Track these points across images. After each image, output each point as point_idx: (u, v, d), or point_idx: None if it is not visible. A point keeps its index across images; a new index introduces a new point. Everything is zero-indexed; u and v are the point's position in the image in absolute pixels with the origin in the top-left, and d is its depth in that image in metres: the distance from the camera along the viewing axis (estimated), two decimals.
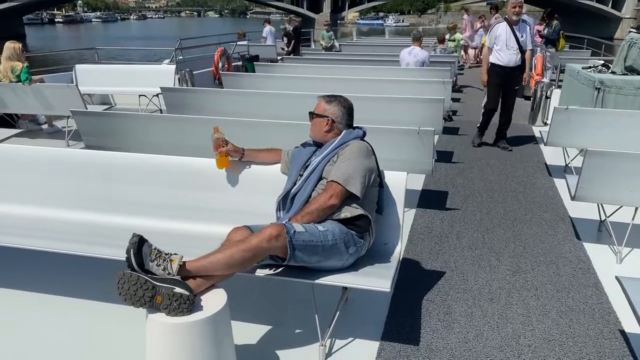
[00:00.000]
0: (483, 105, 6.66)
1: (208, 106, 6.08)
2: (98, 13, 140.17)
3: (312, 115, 2.83)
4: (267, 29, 15.05)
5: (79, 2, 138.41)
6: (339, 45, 16.62)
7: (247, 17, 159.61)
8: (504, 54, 6.08)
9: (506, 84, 6.23)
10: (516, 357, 2.54)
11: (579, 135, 5.05)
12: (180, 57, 10.27)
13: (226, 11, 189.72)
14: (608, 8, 49.32)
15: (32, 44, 45.09)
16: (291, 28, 14.04)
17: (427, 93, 6.07)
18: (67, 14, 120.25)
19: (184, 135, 4.55)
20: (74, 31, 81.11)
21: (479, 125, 6.70)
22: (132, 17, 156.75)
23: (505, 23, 6.12)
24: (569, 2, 50.15)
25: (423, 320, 2.84)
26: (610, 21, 47.74)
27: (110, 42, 46.47)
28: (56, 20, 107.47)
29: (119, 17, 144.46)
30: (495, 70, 6.19)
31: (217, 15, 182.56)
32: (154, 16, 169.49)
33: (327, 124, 2.76)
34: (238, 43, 12.03)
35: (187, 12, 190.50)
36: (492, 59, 6.20)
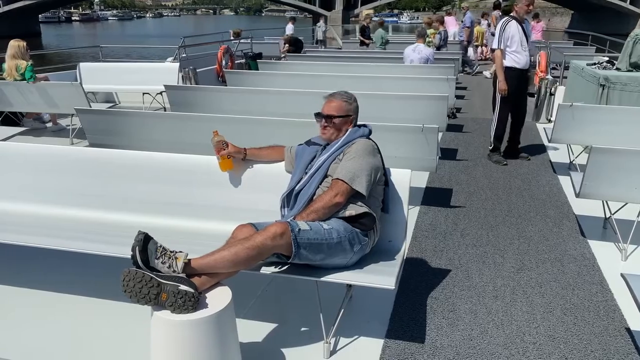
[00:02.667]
0: (496, 115, 5.77)
1: (212, 104, 6.08)
2: (114, 11, 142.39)
3: (331, 118, 2.72)
4: (289, 26, 15.44)
5: (96, 0, 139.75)
6: (342, 42, 16.60)
7: (263, 14, 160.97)
8: (520, 55, 5.50)
9: (522, 87, 5.72)
10: (521, 355, 2.54)
11: (584, 132, 5.04)
12: (184, 55, 10.28)
13: (242, 9, 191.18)
14: (627, 4, 48.50)
15: (47, 42, 45.49)
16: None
17: (431, 90, 6.06)
18: (83, 12, 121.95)
19: (188, 132, 4.56)
20: (89, 29, 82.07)
21: (491, 143, 5.84)
22: (148, 15, 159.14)
23: (515, 21, 5.49)
24: None
25: (427, 317, 2.84)
26: (630, 17, 46.91)
27: (124, 40, 47.10)
28: (73, 18, 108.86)
29: (135, 15, 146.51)
30: (512, 74, 5.54)
31: (232, 13, 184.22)
32: (170, 14, 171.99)
33: (350, 123, 2.77)
34: (241, 41, 12.01)
35: (203, 10, 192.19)
36: (508, 62, 5.53)
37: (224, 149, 2.92)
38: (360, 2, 61.13)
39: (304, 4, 63.02)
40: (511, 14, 5.62)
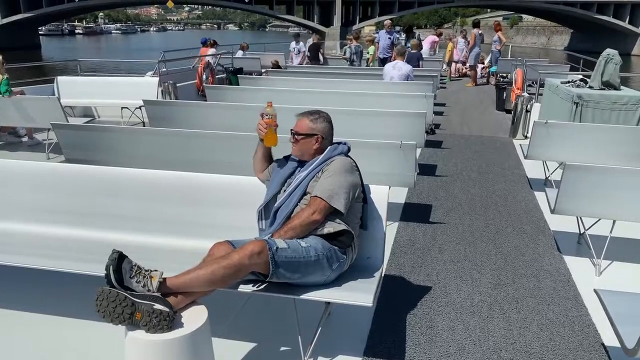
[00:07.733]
0: None
1: (191, 119, 6.05)
2: (118, 25, 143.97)
3: (296, 135, 2.78)
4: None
5: (100, 14, 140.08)
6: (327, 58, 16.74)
7: (267, 30, 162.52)
8: None
9: None
10: None
11: (558, 148, 5.14)
12: (164, 69, 10.24)
13: (246, 24, 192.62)
14: (625, 24, 48.58)
15: (46, 54, 45.81)
16: None
17: (409, 107, 6.13)
18: (87, 25, 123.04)
19: (167, 148, 4.51)
20: (92, 42, 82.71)
21: None
22: (152, 29, 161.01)
23: None
24: (584, 17, 49.90)
25: (406, 334, 2.84)
26: (627, 37, 46.84)
27: (127, 53, 48.00)
28: (76, 31, 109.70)
29: (139, 29, 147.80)
30: None
31: (236, 28, 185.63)
32: (173, 28, 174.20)
33: (317, 142, 2.75)
34: (221, 56, 12.03)
35: (208, 24, 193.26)
36: None
37: (276, 123, 2.83)
38: (359, 19, 61.56)
39: (304, 20, 63.72)
40: None
